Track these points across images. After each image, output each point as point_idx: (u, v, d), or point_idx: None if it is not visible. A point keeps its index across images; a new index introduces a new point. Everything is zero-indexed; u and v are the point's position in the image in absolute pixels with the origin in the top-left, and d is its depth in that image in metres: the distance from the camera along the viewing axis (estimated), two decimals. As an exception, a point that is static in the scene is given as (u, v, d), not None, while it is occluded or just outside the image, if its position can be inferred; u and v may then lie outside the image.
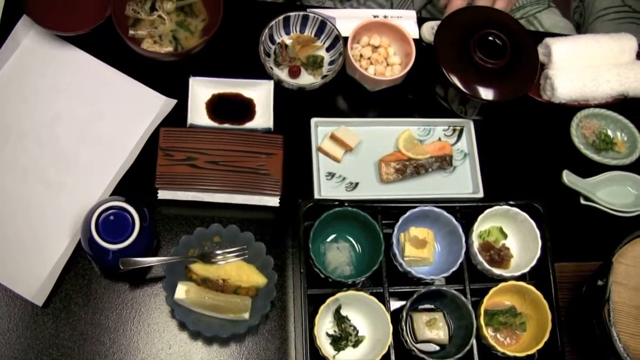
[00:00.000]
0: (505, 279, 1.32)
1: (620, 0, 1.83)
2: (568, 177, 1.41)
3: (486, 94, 1.37)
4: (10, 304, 1.28)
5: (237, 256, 1.31)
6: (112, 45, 1.41)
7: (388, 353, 1.26)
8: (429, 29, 1.50)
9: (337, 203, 1.32)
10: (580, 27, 1.95)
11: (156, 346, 1.29)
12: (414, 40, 1.46)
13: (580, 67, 1.48)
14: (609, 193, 1.46)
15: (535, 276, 1.36)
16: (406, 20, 1.52)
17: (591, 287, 1.25)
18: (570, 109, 1.50)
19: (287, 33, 1.48)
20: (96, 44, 1.44)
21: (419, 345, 1.30)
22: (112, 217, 1.23)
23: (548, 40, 1.49)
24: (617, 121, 1.50)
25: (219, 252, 1.30)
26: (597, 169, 1.46)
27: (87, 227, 1.23)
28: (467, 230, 1.35)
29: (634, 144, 1.48)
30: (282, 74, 1.45)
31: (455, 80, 1.36)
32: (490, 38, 1.38)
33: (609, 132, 1.50)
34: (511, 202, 1.36)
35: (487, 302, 1.30)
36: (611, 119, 1.50)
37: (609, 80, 1.47)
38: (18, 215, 1.33)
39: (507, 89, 1.38)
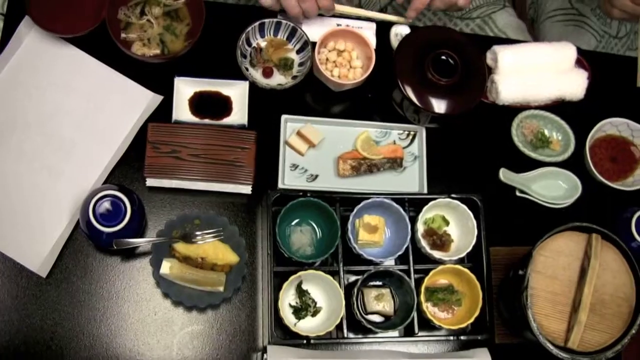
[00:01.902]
0: (444, 262, 1.65)
1: (568, 3, 2.11)
2: (504, 174, 1.73)
3: (438, 107, 1.68)
4: (18, 275, 1.61)
5: (214, 237, 1.63)
6: (106, 46, 1.71)
7: (341, 323, 1.59)
8: (394, 36, 1.79)
9: (301, 194, 1.63)
10: (534, 23, 2.23)
11: (143, 312, 1.62)
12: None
13: (523, 73, 1.78)
14: (543, 186, 1.78)
15: (472, 259, 1.70)
16: (367, 30, 1.81)
17: (515, 274, 1.57)
18: (512, 110, 1.81)
19: (262, 36, 1.78)
20: (92, 44, 1.74)
21: (368, 316, 1.64)
22: (107, 203, 1.54)
23: (496, 47, 1.78)
24: (553, 122, 1.81)
25: (198, 233, 1.62)
26: (533, 165, 1.78)
27: (85, 211, 1.55)
28: (414, 219, 1.67)
29: (567, 143, 1.80)
30: (257, 74, 1.75)
31: (410, 94, 1.67)
32: (444, 57, 1.68)
33: (546, 132, 1.82)
34: (453, 195, 1.68)
35: (428, 281, 1.64)
36: (549, 119, 1.81)
37: (548, 86, 1.78)
38: (24, 197, 1.65)
39: (457, 103, 1.68)
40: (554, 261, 1.56)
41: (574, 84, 1.79)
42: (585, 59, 1.84)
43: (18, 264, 1.61)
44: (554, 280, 1.55)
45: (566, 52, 1.80)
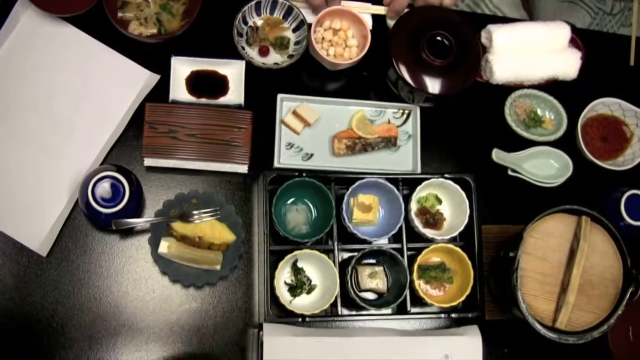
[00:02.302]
0: (437, 241, 1.70)
1: (563, -22, 2.14)
2: (497, 155, 1.78)
3: (432, 87, 1.71)
4: (19, 254, 1.67)
5: (211, 216, 1.68)
6: (104, 25, 1.73)
7: (335, 301, 1.65)
8: (391, 19, 1.82)
9: (296, 174, 1.68)
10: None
11: (142, 290, 1.68)
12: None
13: (518, 52, 1.81)
14: (535, 165, 1.83)
15: (464, 238, 1.76)
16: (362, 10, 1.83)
17: (506, 255, 1.63)
18: (506, 89, 1.84)
19: (259, 15, 1.80)
20: (89, 23, 1.76)
21: (362, 294, 1.70)
22: (105, 184, 1.59)
23: (490, 27, 1.81)
24: (546, 101, 1.85)
25: (195, 212, 1.67)
26: (526, 144, 1.83)
27: (84, 192, 1.59)
28: (408, 198, 1.72)
29: (559, 122, 1.84)
30: (253, 53, 1.79)
31: (405, 74, 1.70)
32: (439, 38, 1.71)
33: (539, 111, 1.86)
34: (446, 175, 1.73)
35: (420, 259, 1.70)
36: (542, 99, 1.85)
37: (542, 65, 1.82)
38: (23, 177, 1.70)
39: (451, 84, 1.72)
40: (544, 242, 1.62)
41: (567, 64, 1.82)
42: (579, 37, 1.87)
43: (18, 243, 1.66)
44: (543, 262, 1.61)
45: (560, 31, 1.83)
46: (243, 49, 1.76)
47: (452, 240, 1.75)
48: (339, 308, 1.67)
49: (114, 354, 1.65)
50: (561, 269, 1.61)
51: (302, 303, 1.70)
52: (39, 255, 1.66)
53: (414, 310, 1.72)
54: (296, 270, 1.70)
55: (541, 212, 1.66)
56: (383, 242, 1.75)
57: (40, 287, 1.66)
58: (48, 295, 1.66)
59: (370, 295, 1.74)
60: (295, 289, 1.70)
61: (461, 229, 1.71)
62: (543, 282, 1.60)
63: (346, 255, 1.75)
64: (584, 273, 1.59)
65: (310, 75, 1.85)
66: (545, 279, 1.60)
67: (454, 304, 1.69)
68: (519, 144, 1.83)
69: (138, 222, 1.64)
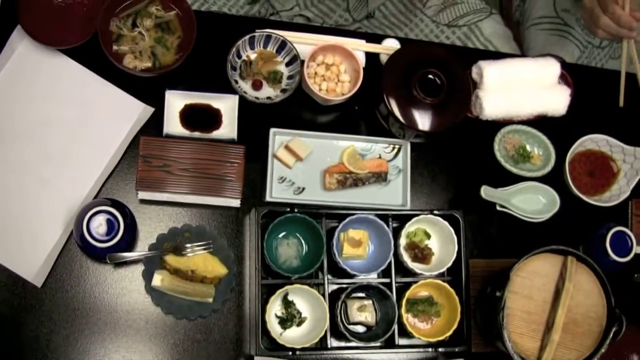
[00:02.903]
0: (425, 277, 1.76)
1: (554, 11, 2.19)
2: (485, 192, 1.83)
3: (422, 124, 1.77)
4: (14, 284, 1.72)
5: (203, 249, 1.74)
6: (99, 57, 1.77)
7: (325, 334, 1.71)
8: (385, 55, 1.87)
9: (288, 209, 1.73)
10: (520, 26, 2.31)
11: (136, 321, 1.74)
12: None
13: (508, 89, 1.87)
14: (522, 201, 1.89)
15: (451, 272, 1.82)
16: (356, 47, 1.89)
17: (492, 293, 1.69)
18: (495, 124, 1.90)
19: (252, 48, 1.85)
20: (85, 55, 1.81)
21: (351, 327, 1.76)
22: (100, 218, 1.64)
23: (481, 63, 1.87)
24: (535, 136, 1.91)
25: (188, 245, 1.73)
26: (514, 179, 1.89)
27: (79, 226, 1.65)
28: (397, 232, 1.78)
29: (548, 157, 1.90)
30: (246, 86, 1.84)
31: (396, 110, 1.76)
32: (430, 76, 1.77)
33: (527, 147, 1.92)
34: (435, 212, 1.79)
35: (409, 293, 1.75)
36: (530, 134, 1.91)
37: (531, 102, 1.88)
38: (17, 208, 1.75)
39: (441, 121, 1.78)
40: (530, 282, 1.68)
41: (556, 101, 1.88)
42: (569, 72, 1.93)
43: (13, 273, 1.71)
44: (529, 300, 1.68)
45: (550, 68, 1.89)
46: (236, 82, 1.81)
47: (440, 275, 1.81)
48: (329, 341, 1.73)
49: (107, 384, 1.71)
50: (546, 307, 1.67)
51: (292, 335, 1.76)
52: (34, 286, 1.71)
53: (402, 343, 1.78)
54: (287, 304, 1.76)
55: (528, 246, 1.73)
56: (372, 275, 1.80)
57: (35, 317, 1.71)
58: (43, 325, 1.71)
59: (360, 328, 1.80)
60: (285, 322, 1.75)
61: (449, 265, 1.77)
62: (528, 321, 1.67)
63: (336, 287, 1.81)
64: (568, 312, 1.65)
65: (303, 109, 1.91)
66: (531, 318, 1.67)
67: (440, 338, 1.75)
68: (507, 178, 1.89)
69: (132, 257, 1.70)
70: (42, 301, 1.72)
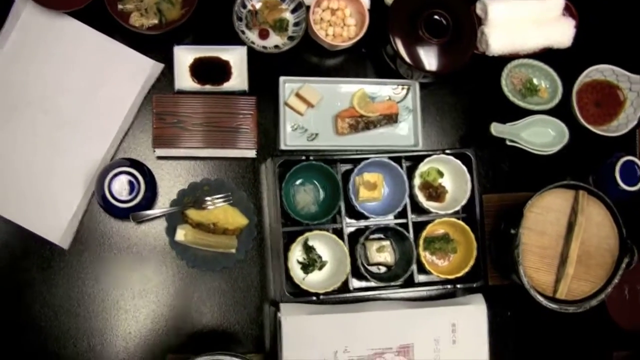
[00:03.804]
0: (440, 216, 1.85)
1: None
2: (495, 128, 1.91)
3: (429, 65, 1.84)
4: (41, 248, 1.82)
5: (223, 201, 1.81)
6: (105, 17, 1.82)
7: (347, 278, 1.81)
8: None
9: (303, 157, 1.81)
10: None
11: (162, 276, 1.84)
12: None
13: (512, 23, 1.93)
14: (532, 134, 1.97)
15: (466, 210, 1.91)
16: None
17: (506, 229, 1.78)
18: (501, 59, 1.96)
19: (257, -3, 1.89)
20: (90, 15, 1.85)
21: (371, 267, 1.86)
22: (121, 179, 1.72)
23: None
24: (541, 70, 1.98)
25: (208, 198, 1.80)
26: (523, 113, 1.96)
27: (100, 188, 1.73)
28: (411, 172, 1.86)
29: (555, 90, 1.97)
30: (253, 36, 1.89)
31: (403, 53, 1.82)
32: (436, 17, 1.82)
33: (534, 80, 1.99)
34: (447, 151, 1.87)
35: (425, 232, 1.84)
36: (537, 67, 1.98)
37: (536, 36, 1.95)
38: (38, 174, 1.82)
39: (448, 61, 1.84)
40: (543, 217, 1.77)
41: (561, 33, 1.95)
42: (573, 3, 1.98)
43: (40, 237, 1.79)
44: (543, 235, 1.77)
45: (554, 0, 1.93)
46: (243, 33, 1.86)
47: (455, 212, 1.89)
48: (350, 284, 1.83)
49: (139, 337, 1.82)
50: (560, 241, 1.77)
51: (314, 279, 1.86)
52: (61, 248, 1.80)
53: (421, 280, 1.88)
54: (307, 249, 1.85)
55: (539, 179, 1.85)
56: (389, 217, 1.89)
57: (64, 278, 1.81)
58: (73, 285, 1.81)
59: (380, 269, 1.91)
60: (307, 267, 1.85)
61: (463, 202, 1.86)
62: (543, 255, 1.77)
63: (354, 230, 1.90)
64: (581, 244, 1.75)
65: (310, 56, 1.97)
66: (545, 252, 1.77)
67: (458, 275, 1.85)
68: (515, 113, 1.96)
69: (154, 214, 1.78)
70: (70, 262, 1.81)
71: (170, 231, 1.80)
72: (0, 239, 1.80)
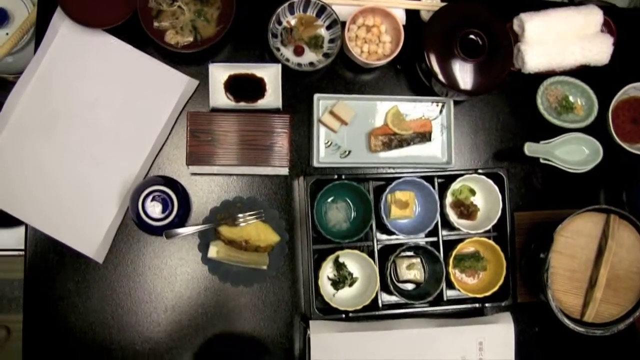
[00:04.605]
0: (471, 236, 1.91)
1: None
2: (529, 148, 1.95)
3: (464, 85, 1.88)
4: (76, 262, 1.91)
5: (255, 218, 1.88)
6: (140, 33, 1.88)
7: (376, 296, 1.88)
8: (425, 12, 1.97)
9: (335, 176, 1.87)
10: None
11: (194, 290, 1.92)
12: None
13: (549, 41, 1.96)
14: (566, 152, 2.00)
15: (497, 228, 1.97)
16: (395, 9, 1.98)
17: (537, 252, 1.83)
18: (538, 75, 2.00)
19: (292, 14, 1.94)
20: (126, 32, 1.91)
21: (400, 284, 1.93)
22: (154, 197, 1.79)
23: (523, 16, 1.96)
24: (578, 87, 2.01)
25: (240, 215, 1.88)
26: (557, 130, 2.00)
27: (134, 205, 1.81)
28: (443, 190, 1.92)
29: (590, 107, 2.00)
30: (288, 53, 1.94)
31: (439, 73, 1.86)
32: (472, 37, 1.85)
33: (570, 97, 2.02)
34: (479, 171, 1.92)
35: (456, 251, 1.90)
36: (573, 85, 2.01)
37: (573, 53, 1.97)
38: (74, 189, 1.90)
39: (483, 81, 1.88)
40: (574, 241, 1.83)
41: (599, 50, 1.97)
42: (613, 19, 2.01)
43: (76, 251, 1.88)
44: (572, 259, 1.82)
45: (592, 17, 1.97)
46: (278, 50, 1.91)
47: (486, 231, 1.95)
48: (380, 302, 1.90)
49: (172, 350, 1.91)
50: (589, 265, 1.82)
51: (344, 296, 1.93)
52: (96, 262, 1.89)
53: (449, 298, 1.95)
54: (338, 266, 1.92)
55: (572, 197, 1.93)
56: (420, 234, 1.95)
57: (99, 291, 1.90)
58: (107, 298, 1.90)
59: (409, 286, 1.97)
60: (338, 284, 1.92)
61: (494, 222, 1.92)
62: (572, 279, 1.82)
63: (385, 246, 1.96)
64: (611, 268, 1.80)
65: (344, 72, 2.01)
66: (574, 276, 1.82)
67: (487, 294, 1.91)
68: (550, 130, 2.00)
69: (187, 232, 1.86)
70: (104, 276, 1.90)
71: (203, 247, 1.88)
72: (36, 251, 1.89)
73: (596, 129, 2.01)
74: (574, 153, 2.01)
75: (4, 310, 3.09)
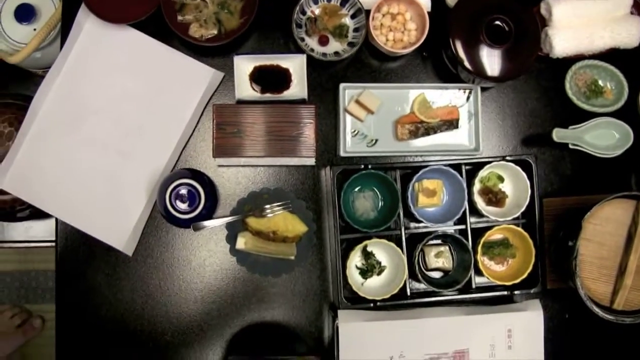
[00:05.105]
0: (499, 223, 1.94)
1: None
2: (557, 134, 1.96)
3: (491, 71, 1.89)
4: (106, 254, 1.97)
5: (283, 209, 1.92)
6: (165, 26, 1.91)
7: (404, 285, 1.92)
8: (451, -4, 2.00)
9: (362, 166, 1.90)
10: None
11: (223, 280, 1.98)
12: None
13: (578, 24, 1.96)
14: (596, 137, 2.01)
15: (525, 215, 1.98)
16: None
17: (565, 240, 1.85)
18: (566, 60, 2.01)
19: (316, 3, 1.97)
20: (151, 25, 1.95)
21: (429, 273, 1.97)
22: (182, 191, 1.84)
23: (550, 0, 1.95)
24: (607, 70, 2.02)
25: (267, 206, 1.92)
26: (586, 115, 2.01)
27: (161, 199, 1.85)
28: (471, 177, 1.95)
29: (620, 91, 2.01)
30: (313, 43, 1.97)
31: (465, 60, 1.87)
32: (498, 22, 1.87)
33: (600, 81, 2.02)
34: (507, 158, 1.94)
35: (484, 238, 1.93)
36: (602, 68, 2.02)
37: (602, 37, 1.97)
38: (102, 183, 1.95)
39: (510, 67, 1.88)
40: (602, 228, 1.84)
41: (629, 33, 1.97)
42: (642, 2, 2.01)
43: (106, 244, 1.94)
44: (601, 246, 1.84)
45: (621, -1, 1.97)
46: (302, 40, 1.94)
47: (514, 218, 1.97)
48: (408, 291, 1.94)
49: (203, 340, 1.96)
50: (619, 252, 1.84)
51: (373, 284, 1.97)
52: (126, 255, 1.95)
53: (478, 285, 1.98)
54: (366, 255, 1.96)
55: (602, 182, 1.95)
56: (448, 222, 1.97)
57: (129, 283, 1.96)
58: (137, 290, 1.96)
59: (437, 274, 2.01)
60: (366, 272, 1.96)
61: (523, 209, 1.94)
62: (601, 266, 1.84)
63: (413, 230, 1.99)
64: (641, 255, 1.82)
65: (369, 60, 2.03)
66: (603, 263, 1.84)
67: (516, 281, 1.94)
68: (579, 114, 2.02)
69: (215, 224, 1.90)
70: (134, 268, 1.96)
71: (231, 239, 1.92)
72: (67, 244, 1.95)
73: (626, 113, 2.01)
74: (603, 138, 2.02)
75: (39, 300, 3.19)
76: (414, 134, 1.98)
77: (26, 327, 2.83)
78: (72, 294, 1.96)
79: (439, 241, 2.01)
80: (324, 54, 1.95)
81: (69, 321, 1.96)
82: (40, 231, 2.46)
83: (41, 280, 3.21)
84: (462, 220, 1.96)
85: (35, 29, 2.20)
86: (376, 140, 2.00)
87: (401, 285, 1.91)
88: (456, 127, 1.99)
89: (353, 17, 1.98)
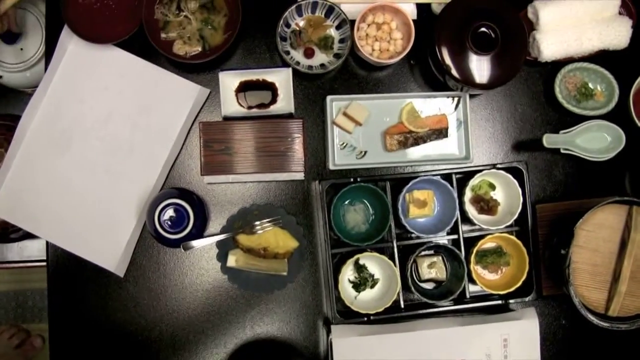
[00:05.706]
0: (492, 232, 1.96)
1: None
2: (548, 140, 1.97)
3: (479, 79, 1.90)
4: (98, 276, 1.99)
5: (273, 224, 1.95)
6: (149, 44, 1.93)
7: (397, 298, 1.94)
8: (437, 5, 2.01)
9: (351, 179, 1.93)
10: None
11: (216, 299, 2.00)
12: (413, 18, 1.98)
13: (565, 27, 1.97)
14: (587, 140, 2.02)
15: (518, 222, 2.00)
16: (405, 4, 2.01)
17: (557, 249, 1.87)
18: (555, 63, 2.02)
19: (300, 16, 1.99)
20: (135, 44, 1.97)
21: (422, 284, 1.99)
22: (170, 211, 1.87)
23: (536, 3, 1.98)
24: (597, 72, 2.03)
25: (257, 222, 1.94)
26: (577, 118, 2.03)
27: (150, 219, 1.88)
28: (462, 186, 1.97)
29: (611, 93, 2.02)
30: (298, 55, 1.99)
31: (452, 68, 1.88)
32: (484, 29, 1.88)
33: (590, 84, 2.04)
34: (498, 165, 1.96)
35: (477, 247, 1.95)
36: (592, 70, 2.03)
37: (591, 39, 1.98)
38: (92, 202, 1.98)
39: (498, 74, 1.90)
40: (595, 235, 1.86)
41: (618, 34, 1.98)
42: (631, 0, 2.02)
43: (97, 266, 1.96)
44: (594, 253, 1.86)
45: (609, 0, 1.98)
46: (288, 53, 1.96)
47: (508, 225, 1.98)
48: (402, 303, 1.96)
49: (195, 358, 1.99)
50: (612, 258, 1.85)
51: (366, 298, 1.99)
52: (117, 276, 1.97)
53: (472, 295, 2.00)
54: (359, 268, 1.98)
55: (595, 186, 1.96)
56: (440, 233, 1.99)
57: (121, 304, 1.98)
58: (130, 311, 1.98)
59: (430, 285, 2.03)
60: (359, 286, 1.98)
61: (516, 216, 1.96)
62: (595, 273, 1.85)
63: (405, 241, 2.01)
64: (634, 261, 1.83)
65: (356, 70, 2.05)
66: (597, 270, 1.85)
67: (510, 290, 1.96)
68: (570, 118, 2.03)
69: (205, 243, 1.93)
70: (126, 289, 1.99)
71: (222, 257, 1.95)
72: (57, 267, 1.99)
73: (618, 115, 2.02)
74: (595, 141, 2.03)
75: (36, 319, 3.22)
76: (403, 145, 1.99)
77: (26, 347, 2.85)
78: (64, 315, 1.99)
79: (431, 252, 2.02)
80: (310, 67, 1.97)
81: (62, 342, 1.99)
82: (35, 250, 2.50)
83: (37, 299, 3.23)
84: (454, 230, 1.99)
85: (22, 49, 2.24)
86: (365, 152, 2.02)
87: (394, 297, 1.93)
88: (445, 135, 2.01)
89: (338, 27, 2.00)
